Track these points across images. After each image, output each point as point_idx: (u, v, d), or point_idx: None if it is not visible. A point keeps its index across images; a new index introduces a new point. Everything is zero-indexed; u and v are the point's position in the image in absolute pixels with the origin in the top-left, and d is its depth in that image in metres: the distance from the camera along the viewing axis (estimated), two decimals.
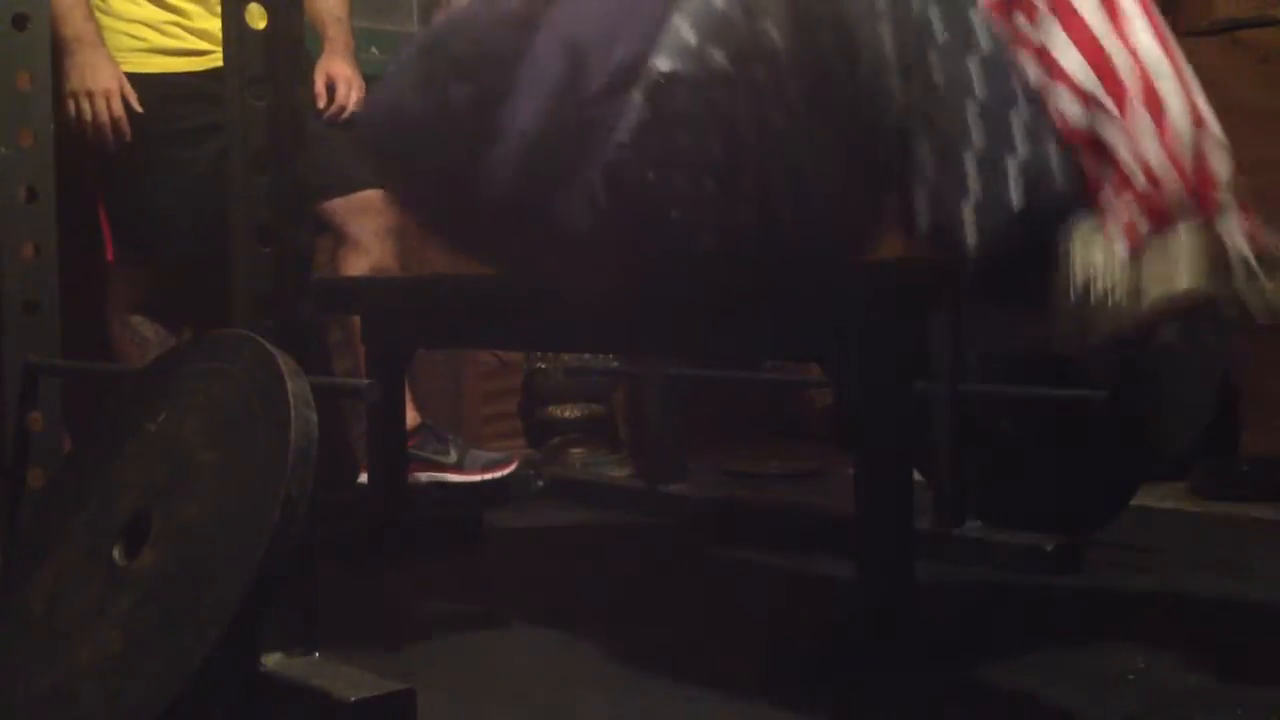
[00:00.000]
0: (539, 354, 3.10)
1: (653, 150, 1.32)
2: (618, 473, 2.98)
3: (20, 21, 1.87)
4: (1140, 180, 1.25)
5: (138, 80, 2.31)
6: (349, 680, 1.29)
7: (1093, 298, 1.21)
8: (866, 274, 1.57)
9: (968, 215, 1.25)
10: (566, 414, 3.10)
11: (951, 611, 1.69)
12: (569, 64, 1.41)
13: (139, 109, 2.27)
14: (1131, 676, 1.48)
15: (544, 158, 1.44)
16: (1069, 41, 1.28)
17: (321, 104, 2.40)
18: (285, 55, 1.38)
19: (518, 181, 1.46)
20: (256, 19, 1.36)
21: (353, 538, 2.16)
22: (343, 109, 2.42)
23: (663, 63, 1.30)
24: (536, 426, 3.11)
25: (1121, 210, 1.25)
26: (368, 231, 2.44)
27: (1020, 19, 1.30)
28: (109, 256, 2.39)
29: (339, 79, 2.44)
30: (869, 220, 1.43)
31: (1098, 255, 1.21)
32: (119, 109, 2.25)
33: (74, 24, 2.23)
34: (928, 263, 1.52)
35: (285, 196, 1.38)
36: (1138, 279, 1.22)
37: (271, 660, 1.34)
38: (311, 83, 2.40)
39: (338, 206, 2.41)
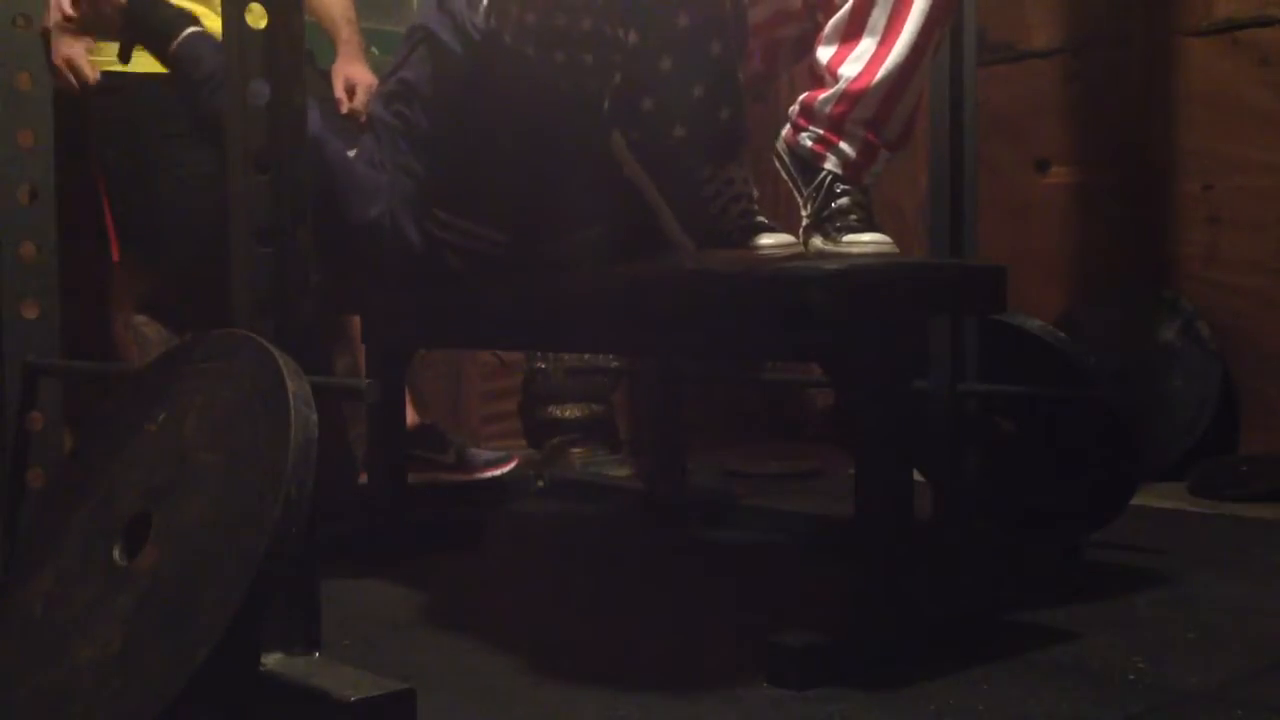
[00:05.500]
0: (539, 354, 3.10)
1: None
2: (618, 473, 2.98)
3: (19, 21, 1.87)
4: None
5: (146, 80, 2.30)
6: (349, 680, 1.29)
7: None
8: (866, 274, 1.57)
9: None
10: (566, 414, 3.10)
11: (951, 611, 1.69)
12: None
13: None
14: (1131, 676, 1.48)
15: None
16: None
17: (344, 110, 2.39)
18: (285, 55, 1.38)
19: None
20: (257, 19, 1.37)
21: (353, 538, 2.16)
22: (361, 114, 2.42)
23: None
24: (536, 426, 3.11)
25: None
26: None
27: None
28: (115, 256, 2.39)
29: (360, 83, 2.43)
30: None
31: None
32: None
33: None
34: (928, 264, 1.53)
35: (285, 196, 1.39)
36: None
37: (271, 660, 1.34)
38: (329, 85, 2.40)
39: None
